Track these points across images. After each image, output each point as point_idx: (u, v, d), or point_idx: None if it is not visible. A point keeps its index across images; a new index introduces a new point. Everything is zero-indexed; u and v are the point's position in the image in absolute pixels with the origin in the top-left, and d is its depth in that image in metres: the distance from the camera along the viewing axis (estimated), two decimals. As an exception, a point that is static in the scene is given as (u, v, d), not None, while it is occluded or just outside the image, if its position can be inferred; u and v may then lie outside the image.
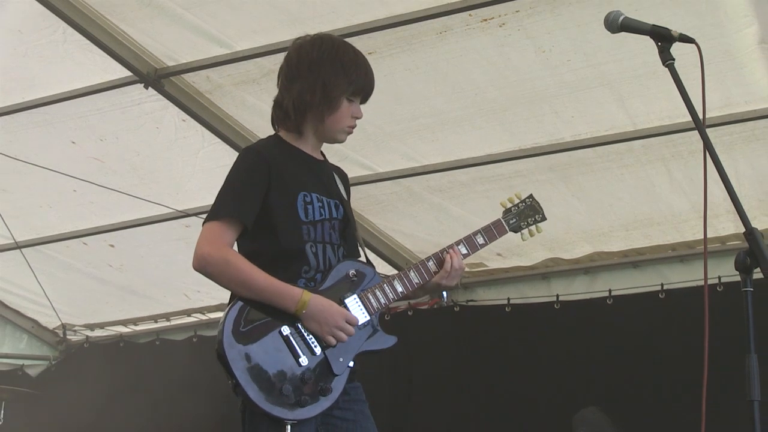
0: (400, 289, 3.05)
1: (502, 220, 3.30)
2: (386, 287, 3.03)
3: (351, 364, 2.92)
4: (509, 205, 3.35)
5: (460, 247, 3.15)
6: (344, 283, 2.99)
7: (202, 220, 2.98)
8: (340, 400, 2.92)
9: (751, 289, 2.34)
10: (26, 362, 7.56)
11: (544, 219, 3.39)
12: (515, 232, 3.33)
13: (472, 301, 6.49)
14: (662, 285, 5.84)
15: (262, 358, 2.79)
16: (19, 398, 6.45)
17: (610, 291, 6.00)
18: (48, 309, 7.25)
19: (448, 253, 3.12)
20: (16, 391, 6.46)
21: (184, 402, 6.67)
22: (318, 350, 2.87)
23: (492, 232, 3.24)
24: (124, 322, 7.45)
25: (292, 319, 2.86)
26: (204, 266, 2.89)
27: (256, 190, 2.93)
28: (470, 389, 6.17)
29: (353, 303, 2.96)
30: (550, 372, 5.96)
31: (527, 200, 3.37)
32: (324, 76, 2.99)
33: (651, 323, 5.77)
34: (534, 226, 3.37)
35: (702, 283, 2.68)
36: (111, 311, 7.35)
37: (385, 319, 5.97)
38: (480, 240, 3.20)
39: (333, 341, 2.88)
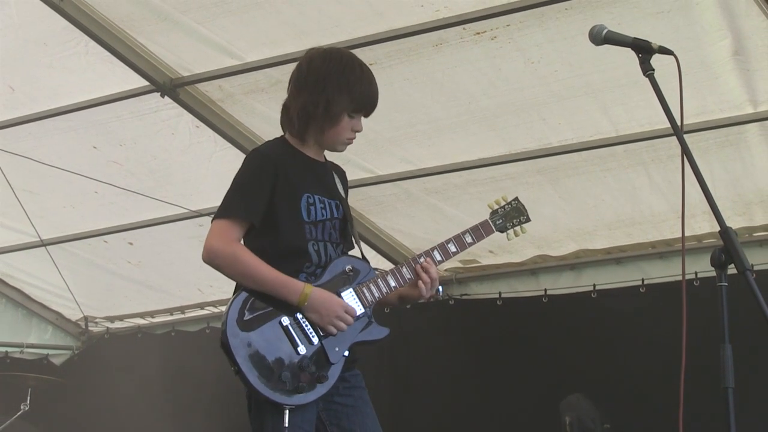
0: (393, 283, 3.03)
1: (489, 220, 3.27)
2: (380, 282, 3.01)
3: (346, 353, 2.92)
4: (496, 206, 3.31)
5: (449, 245, 3.12)
6: (341, 278, 2.98)
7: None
8: (341, 387, 2.92)
9: (726, 284, 2.33)
10: (51, 352, 7.55)
11: (528, 220, 3.35)
12: (501, 232, 3.29)
13: (465, 295, 6.48)
14: (643, 280, 5.83)
15: (263, 347, 2.79)
16: (44, 385, 6.44)
17: (594, 286, 5.99)
18: (71, 302, 7.25)
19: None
20: (41, 379, 6.45)
21: (198, 389, 6.67)
22: (315, 340, 2.87)
23: (479, 231, 3.22)
24: (141, 315, 7.44)
25: (292, 310, 2.86)
26: (213, 259, 2.88)
27: (263, 190, 2.92)
28: (464, 377, 6.16)
29: (349, 296, 2.95)
30: (538, 361, 5.95)
31: (513, 202, 3.34)
32: (328, 92, 2.95)
33: (632, 316, 5.76)
34: (519, 227, 3.32)
35: (680, 278, 2.69)
36: (130, 304, 7.34)
37: (384, 311, 5.96)
38: (468, 239, 3.17)
39: (333, 330, 2.87)
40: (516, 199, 3.35)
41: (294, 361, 2.81)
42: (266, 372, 2.77)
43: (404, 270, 3.06)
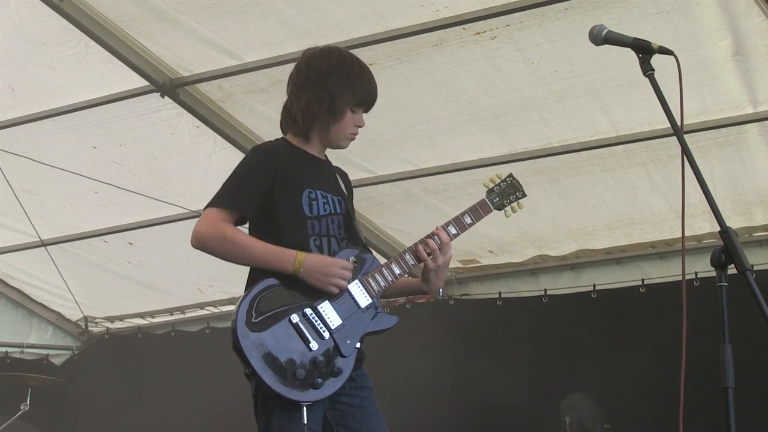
0: (398, 271, 3.04)
1: (486, 199, 3.27)
2: (385, 270, 3.02)
3: (358, 345, 2.92)
4: (491, 185, 3.31)
5: (449, 227, 3.13)
6: None
7: None
8: (347, 387, 2.92)
9: (726, 284, 2.34)
10: (51, 352, 7.55)
11: (524, 195, 3.34)
12: (499, 209, 3.29)
13: (465, 295, 6.49)
14: (643, 280, 5.83)
15: (275, 346, 2.79)
16: (44, 386, 6.43)
17: (594, 286, 6.00)
18: (71, 302, 7.25)
19: (435, 231, 3.09)
20: (41, 379, 6.44)
21: (198, 388, 6.67)
22: (326, 335, 2.87)
23: (478, 211, 3.21)
24: (141, 315, 7.44)
25: (300, 307, 2.86)
26: (202, 242, 2.90)
27: (257, 184, 2.94)
28: (464, 378, 6.17)
29: (355, 288, 2.96)
30: (538, 361, 5.96)
31: (508, 179, 3.33)
32: (331, 88, 2.99)
33: (632, 316, 5.76)
34: (516, 203, 3.32)
35: (680, 278, 2.69)
36: (129, 304, 7.34)
37: (385, 312, 5.96)
38: (467, 220, 3.17)
39: (335, 290, 2.89)
40: (510, 175, 3.35)
41: (307, 357, 2.82)
42: (281, 371, 2.77)
43: (407, 256, 3.07)
